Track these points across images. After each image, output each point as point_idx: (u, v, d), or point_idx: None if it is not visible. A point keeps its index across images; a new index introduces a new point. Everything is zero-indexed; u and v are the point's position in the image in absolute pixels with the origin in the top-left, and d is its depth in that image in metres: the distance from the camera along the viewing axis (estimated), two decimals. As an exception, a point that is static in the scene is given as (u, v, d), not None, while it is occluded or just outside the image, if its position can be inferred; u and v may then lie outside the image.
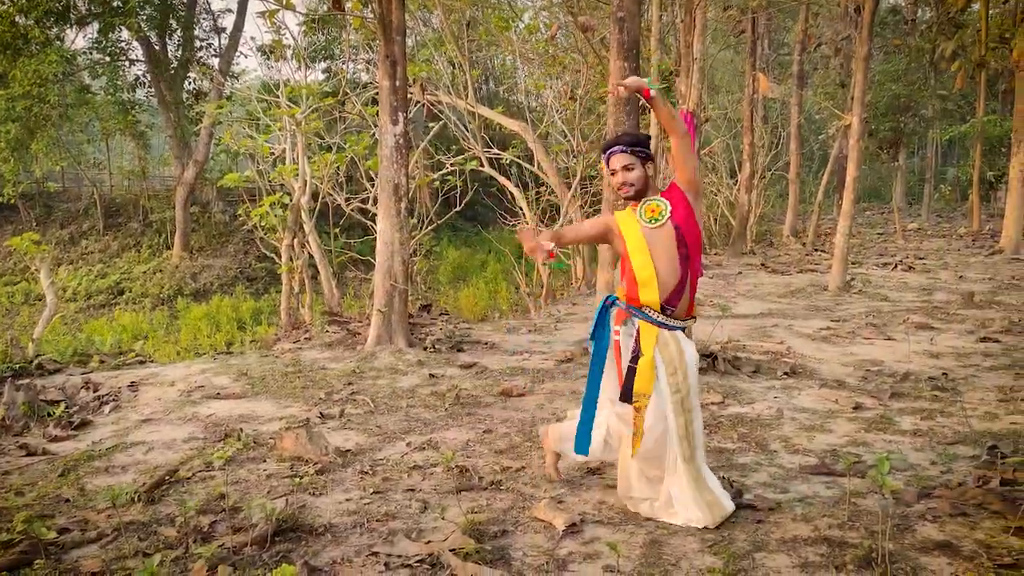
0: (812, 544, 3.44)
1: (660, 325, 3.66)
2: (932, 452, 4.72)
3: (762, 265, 15.40)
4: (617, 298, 3.82)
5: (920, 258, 16.19)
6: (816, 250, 18.17)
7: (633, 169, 3.70)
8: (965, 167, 28.03)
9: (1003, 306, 10.15)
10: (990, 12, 16.31)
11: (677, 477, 3.65)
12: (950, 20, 21.26)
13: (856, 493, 4.00)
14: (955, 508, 3.78)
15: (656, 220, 3.69)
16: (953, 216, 28.45)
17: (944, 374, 6.63)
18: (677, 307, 3.68)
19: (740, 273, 14.40)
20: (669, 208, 3.69)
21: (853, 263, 15.04)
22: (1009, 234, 16.04)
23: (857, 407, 5.71)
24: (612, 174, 3.75)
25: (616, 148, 3.72)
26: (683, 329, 3.74)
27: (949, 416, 5.46)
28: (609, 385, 3.81)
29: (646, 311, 3.67)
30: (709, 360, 6.85)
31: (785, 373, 6.73)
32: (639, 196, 3.74)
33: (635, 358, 3.65)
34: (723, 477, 4.31)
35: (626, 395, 3.66)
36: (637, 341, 3.67)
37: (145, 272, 23.86)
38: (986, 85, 23.92)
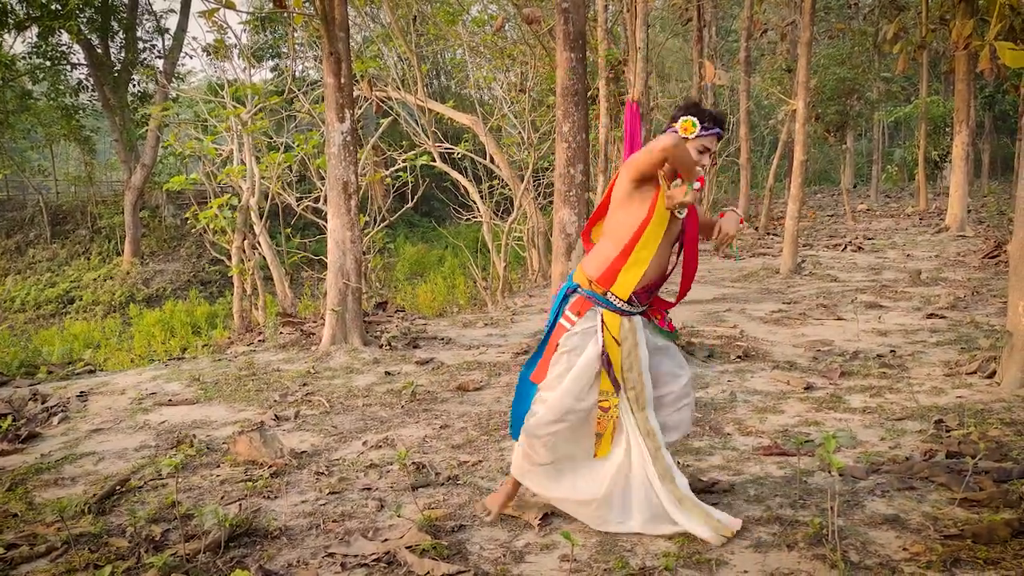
0: (765, 524, 3.49)
1: (622, 313, 3.45)
2: (881, 428, 4.81)
3: (715, 250, 15.56)
4: (578, 285, 3.51)
5: (869, 238, 16.49)
6: (768, 234, 18.40)
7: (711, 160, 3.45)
8: (911, 147, 28.60)
9: (949, 283, 10.38)
10: (929, -6, 16.60)
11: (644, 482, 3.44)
12: (892, 3, 21.62)
13: (806, 472, 4.07)
14: (903, 482, 3.86)
15: (680, 210, 3.44)
16: (901, 196, 28.99)
17: (892, 351, 6.77)
18: (645, 301, 3.50)
19: (694, 259, 14.52)
20: (686, 209, 3.45)
21: (804, 246, 15.28)
22: (954, 212, 16.37)
23: (808, 387, 5.80)
24: (701, 151, 3.38)
25: (720, 132, 3.42)
26: (643, 312, 3.54)
27: (897, 392, 5.57)
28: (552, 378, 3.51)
29: (610, 299, 3.42)
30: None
31: (738, 357, 6.81)
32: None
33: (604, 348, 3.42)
34: (678, 462, 4.36)
35: (612, 379, 3.43)
36: (603, 332, 3.43)
37: (95, 279, 23.43)
38: (928, 66, 24.38)
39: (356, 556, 3.38)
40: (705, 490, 3.87)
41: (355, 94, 8.88)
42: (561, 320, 3.50)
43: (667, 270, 3.54)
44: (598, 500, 3.44)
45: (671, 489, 3.40)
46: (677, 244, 3.56)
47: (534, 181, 13.74)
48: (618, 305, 3.43)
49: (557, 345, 3.48)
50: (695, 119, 3.38)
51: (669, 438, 3.56)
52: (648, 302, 3.54)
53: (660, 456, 3.43)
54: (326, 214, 8.10)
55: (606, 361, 3.41)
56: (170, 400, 6.19)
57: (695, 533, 3.33)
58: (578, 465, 3.52)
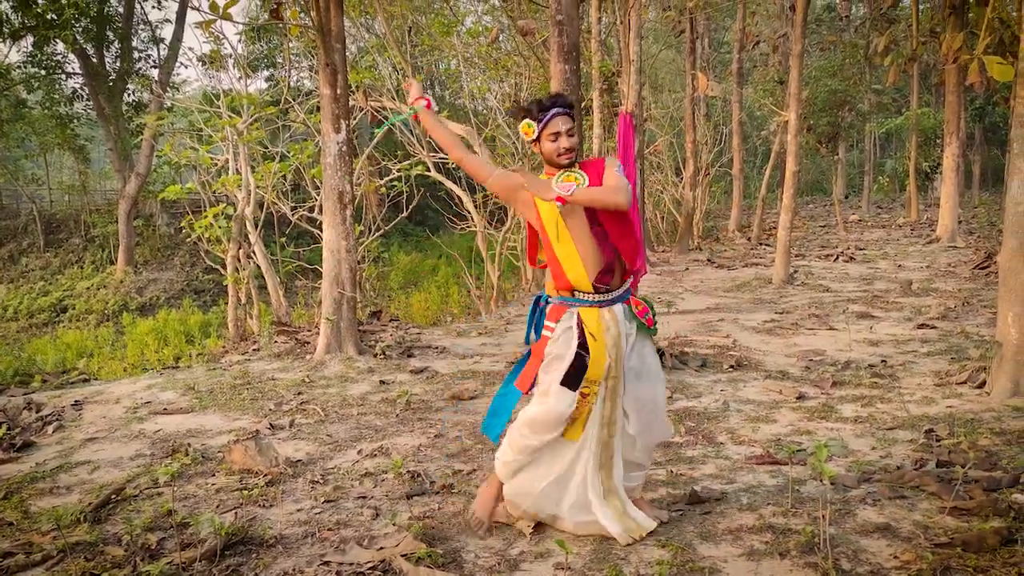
0: (757, 532, 3.52)
1: (599, 304, 3.45)
2: (872, 438, 4.85)
3: (708, 261, 15.61)
4: (548, 296, 3.58)
5: (861, 248, 16.56)
6: (761, 244, 18.46)
7: (574, 134, 3.44)
8: (902, 158, 28.77)
9: (939, 293, 10.44)
10: (920, 7, 16.76)
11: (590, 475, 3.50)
12: (883, 16, 21.77)
13: (799, 481, 4.10)
14: (894, 491, 3.89)
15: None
16: (892, 206, 29.10)
17: (883, 361, 6.81)
18: (611, 282, 3.47)
19: (687, 269, 14.59)
20: (586, 181, 3.39)
21: (796, 256, 15.34)
22: (945, 223, 16.45)
23: (800, 397, 5.84)
24: (554, 139, 3.39)
25: (559, 110, 3.39)
26: (624, 300, 3.52)
27: (888, 402, 5.61)
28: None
29: (579, 296, 3.45)
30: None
31: (731, 366, 6.85)
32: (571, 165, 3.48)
33: (582, 344, 3.40)
34: (670, 471, 4.39)
35: (571, 382, 3.39)
36: (581, 329, 3.42)
37: (89, 288, 23.39)
38: (919, 79, 24.54)
39: (351, 564, 3.40)
40: (698, 500, 3.90)
41: (350, 104, 8.92)
42: (544, 332, 3.53)
43: (610, 250, 3.44)
44: (550, 481, 3.50)
45: (602, 478, 3.51)
46: (597, 225, 3.47)
47: (528, 191, 13.76)
48: (589, 299, 3.45)
49: (544, 355, 3.49)
50: (527, 120, 3.43)
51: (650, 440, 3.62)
52: (621, 283, 3.52)
53: (610, 444, 3.51)
54: (321, 223, 8.14)
55: (579, 360, 3.38)
56: (165, 409, 6.20)
57: (607, 527, 3.44)
58: (548, 447, 3.51)
